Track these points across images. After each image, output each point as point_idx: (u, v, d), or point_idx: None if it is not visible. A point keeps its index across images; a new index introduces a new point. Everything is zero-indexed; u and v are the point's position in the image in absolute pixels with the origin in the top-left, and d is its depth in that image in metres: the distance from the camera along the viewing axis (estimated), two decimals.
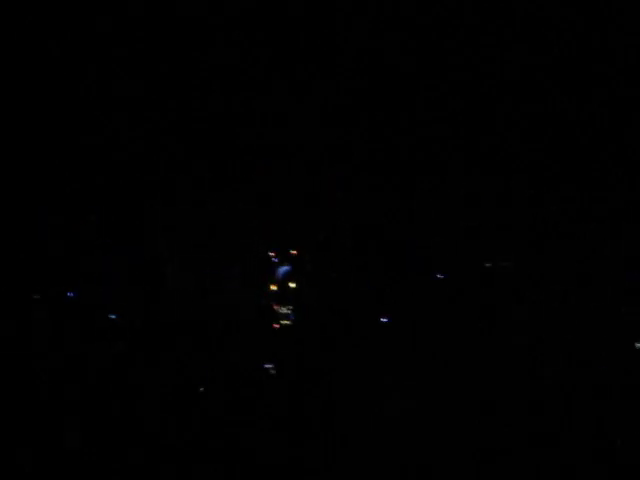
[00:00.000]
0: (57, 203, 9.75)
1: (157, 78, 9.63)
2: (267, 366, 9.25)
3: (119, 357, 9.04)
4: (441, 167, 9.89)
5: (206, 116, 9.85)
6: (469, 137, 9.75)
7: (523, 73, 9.42)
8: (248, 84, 9.78)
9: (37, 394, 8.04)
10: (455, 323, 9.37)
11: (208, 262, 10.41)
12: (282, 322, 10.49)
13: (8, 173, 9.51)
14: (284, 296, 10.82)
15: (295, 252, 10.52)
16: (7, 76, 9.28)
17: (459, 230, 9.86)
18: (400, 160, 9.95)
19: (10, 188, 9.57)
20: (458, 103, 9.66)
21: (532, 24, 9.20)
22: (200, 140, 9.90)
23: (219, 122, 9.90)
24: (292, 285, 10.70)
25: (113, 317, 9.73)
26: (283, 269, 10.96)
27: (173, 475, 6.74)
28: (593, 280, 9.24)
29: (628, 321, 8.85)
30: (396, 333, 9.40)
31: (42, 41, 9.26)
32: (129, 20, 9.33)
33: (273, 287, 10.61)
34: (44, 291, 9.69)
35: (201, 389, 8.50)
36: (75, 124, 9.66)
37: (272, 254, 10.57)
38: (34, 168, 9.62)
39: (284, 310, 10.59)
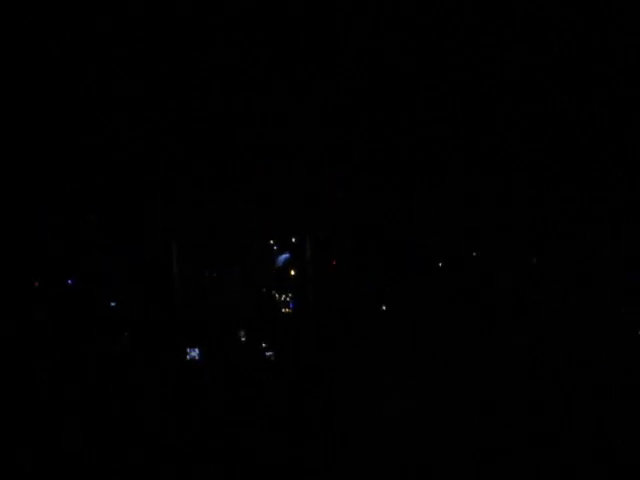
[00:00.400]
0: (57, 203, 9.76)
1: (157, 78, 9.63)
2: (268, 354, 9.26)
3: (119, 357, 9.06)
4: (441, 167, 9.89)
5: (206, 116, 9.85)
6: (469, 137, 9.75)
7: (523, 73, 9.41)
8: (248, 84, 9.78)
9: (37, 394, 8.04)
10: (455, 322, 9.37)
11: (208, 262, 10.42)
12: (282, 310, 10.48)
13: (8, 173, 9.52)
14: (284, 284, 10.80)
15: (294, 240, 10.51)
16: (8, 76, 9.28)
17: (459, 230, 9.87)
18: (400, 160, 9.95)
19: (10, 188, 9.57)
20: (458, 103, 9.66)
21: (532, 24, 9.19)
22: (200, 140, 9.90)
23: (219, 122, 9.90)
24: (292, 273, 10.68)
25: (113, 305, 9.75)
26: (283, 257, 10.92)
27: (173, 475, 6.73)
28: (593, 280, 9.25)
29: (628, 321, 8.86)
30: (396, 332, 9.40)
31: (42, 41, 9.25)
32: (129, 20, 9.32)
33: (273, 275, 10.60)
34: (44, 290, 9.71)
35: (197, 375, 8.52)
36: (75, 124, 9.67)
37: (271, 242, 10.56)
38: (34, 168, 9.62)
39: (284, 298, 10.57)
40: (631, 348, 8.49)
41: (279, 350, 9.36)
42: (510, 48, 9.30)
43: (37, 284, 9.73)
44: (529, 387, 7.99)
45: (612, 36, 8.98)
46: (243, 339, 9.58)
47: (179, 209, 10.11)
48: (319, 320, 9.91)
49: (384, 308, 10.02)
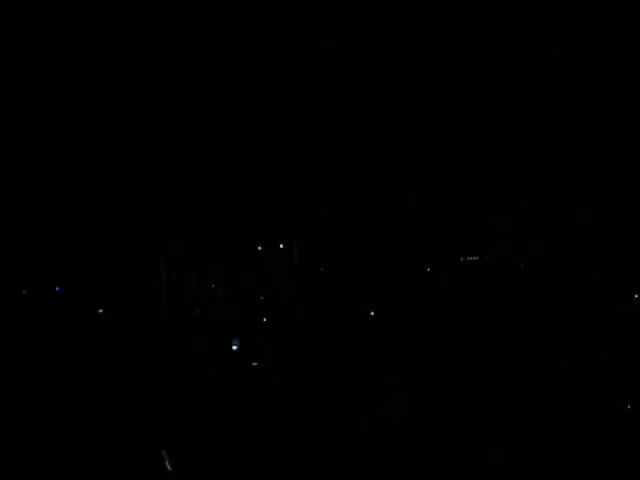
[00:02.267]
0: (58, 203, 9.74)
1: (157, 78, 9.62)
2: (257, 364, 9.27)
3: (118, 356, 9.04)
4: (441, 167, 9.89)
5: (206, 116, 9.84)
6: (469, 137, 9.75)
7: (523, 73, 9.42)
8: (248, 84, 9.77)
9: (37, 393, 8.02)
10: (455, 322, 9.36)
11: (206, 263, 10.41)
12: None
13: (9, 173, 9.50)
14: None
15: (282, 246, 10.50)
16: (7, 76, 9.26)
17: (459, 230, 9.86)
18: (400, 160, 9.95)
19: (10, 188, 9.56)
20: (458, 103, 9.66)
21: (532, 24, 9.19)
22: (200, 140, 9.89)
23: (219, 122, 9.89)
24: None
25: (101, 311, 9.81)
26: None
27: (177, 475, 6.71)
28: (594, 280, 9.23)
29: (628, 321, 8.85)
30: (395, 333, 9.37)
31: (43, 41, 9.24)
32: (129, 20, 9.31)
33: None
34: (44, 290, 9.70)
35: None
36: (75, 124, 9.65)
37: (259, 248, 10.58)
38: (35, 168, 9.61)
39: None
40: (631, 348, 8.48)
41: (279, 353, 9.36)
42: (510, 48, 9.30)
43: (37, 283, 9.72)
44: (529, 387, 7.98)
45: (612, 36, 8.98)
46: (234, 347, 9.59)
47: (179, 209, 10.10)
48: (311, 324, 9.89)
49: (376, 312, 10.01)
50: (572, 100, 9.30)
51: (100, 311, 9.96)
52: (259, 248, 10.74)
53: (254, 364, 9.28)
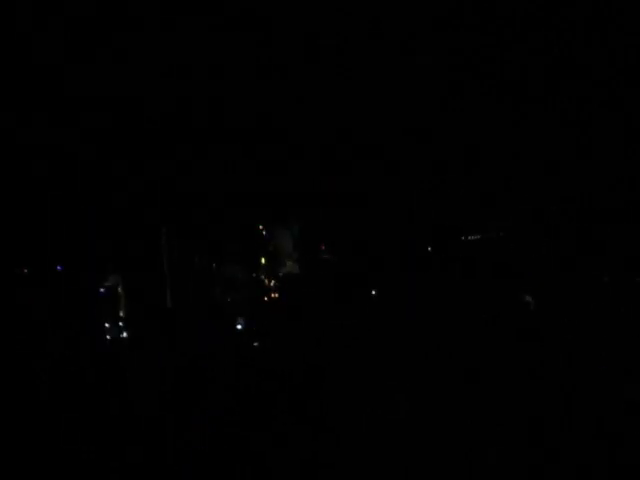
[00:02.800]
0: (57, 203, 9.77)
1: (157, 78, 9.64)
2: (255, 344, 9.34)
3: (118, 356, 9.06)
4: (441, 167, 9.91)
5: (206, 116, 9.87)
6: (469, 137, 9.77)
7: (523, 73, 9.44)
8: (248, 84, 9.80)
9: (36, 393, 8.03)
10: (454, 322, 9.37)
11: (206, 258, 10.45)
12: (272, 295, 10.56)
13: (9, 173, 9.52)
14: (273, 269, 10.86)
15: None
16: (7, 76, 9.29)
17: (458, 229, 9.88)
18: (400, 160, 9.97)
19: (10, 188, 9.58)
20: (458, 103, 9.68)
21: (532, 24, 9.22)
22: (200, 140, 9.92)
23: (219, 122, 9.92)
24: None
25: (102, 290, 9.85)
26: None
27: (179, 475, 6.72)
28: (594, 280, 9.25)
29: (628, 320, 8.86)
30: (394, 330, 9.39)
31: (43, 41, 9.26)
32: (128, 20, 9.34)
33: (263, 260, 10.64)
34: (44, 290, 9.73)
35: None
36: (75, 124, 9.68)
37: (261, 227, 10.59)
38: (35, 168, 9.63)
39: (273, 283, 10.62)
40: (631, 348, 8.48)
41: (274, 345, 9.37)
42: (510, 48, 9.32)
43: (36, 282, 9.75)
44: (529, 387, 7.99)
45: (612, 36, 9.01)
46: (239, 327, 9.61)
47: (179, 208, 10.13)
48: (311, 323, 9.89)
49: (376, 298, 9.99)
50: (572, 100, 9.31)
51: (107, 285, 9.99)
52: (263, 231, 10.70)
53: (255, 344, 9.33)
